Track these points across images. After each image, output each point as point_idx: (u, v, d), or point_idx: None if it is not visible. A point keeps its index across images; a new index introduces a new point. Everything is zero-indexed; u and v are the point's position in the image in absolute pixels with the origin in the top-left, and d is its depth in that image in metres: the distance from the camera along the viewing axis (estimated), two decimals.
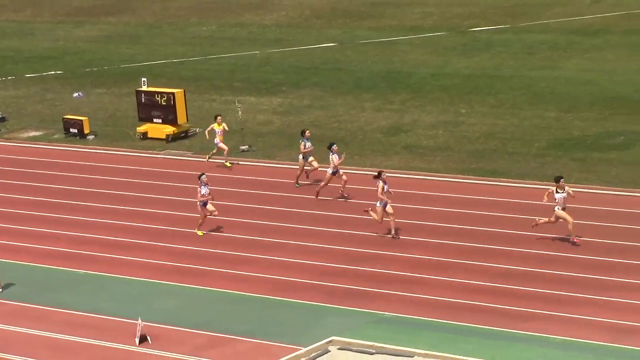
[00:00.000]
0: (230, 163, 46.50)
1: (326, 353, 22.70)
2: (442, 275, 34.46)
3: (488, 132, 48.96)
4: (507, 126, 49.46)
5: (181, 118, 51.09)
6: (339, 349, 22.83)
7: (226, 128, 46.49)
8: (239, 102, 51.82)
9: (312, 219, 40.00)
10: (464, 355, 24.85)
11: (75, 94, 59.61)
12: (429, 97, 54.68)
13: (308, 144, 43.16)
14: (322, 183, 42.18)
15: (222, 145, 46.23)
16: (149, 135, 51.43)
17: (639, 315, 31.74)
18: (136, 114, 52.31)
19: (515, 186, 42.51)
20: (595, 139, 46.47)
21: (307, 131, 43.82)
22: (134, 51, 70.05)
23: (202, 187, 38.94)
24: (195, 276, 35.60)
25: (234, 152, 47.34)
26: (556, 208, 36.49)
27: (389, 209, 37.76)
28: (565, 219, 36.43)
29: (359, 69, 60.83)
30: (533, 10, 66.96)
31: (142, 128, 51.75)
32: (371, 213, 38.18)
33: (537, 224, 37.12)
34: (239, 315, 32.74)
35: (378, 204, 37.80)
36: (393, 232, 37.99)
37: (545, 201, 36.67)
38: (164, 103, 50.88)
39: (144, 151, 49.63)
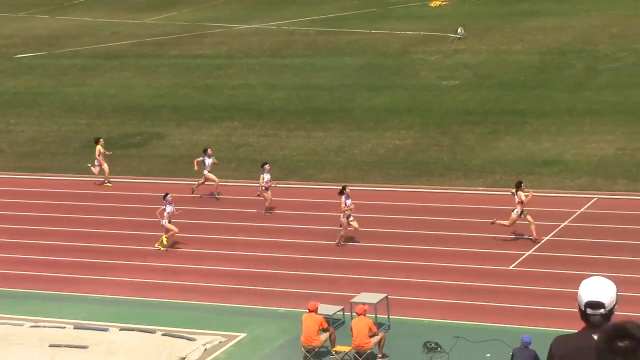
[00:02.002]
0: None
1: None
2: None
3: (34, 137, 48.98)
4: (49, 132, 49.45)
5: None
6: None
7: None
8: None
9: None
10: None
11: None
12: None
13: None
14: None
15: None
16: None
17: (154, 274, 33.36)
18: None
19: (58, 179, 43.21)
20: (118, 139, 47.11)
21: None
22: None
23: (168, 205, 34.83)
24: None
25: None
26: (516, 210, 33.19)
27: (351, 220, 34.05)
28: (512, 222, 33.24)
29: None
30: (65, 39, 67.06)
31: None
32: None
33: (493, 222, 33.39)
34: None
35: (342, 215, 33.97)
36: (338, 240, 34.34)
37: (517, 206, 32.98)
38: None
39: None
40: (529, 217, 33.06)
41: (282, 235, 35.41)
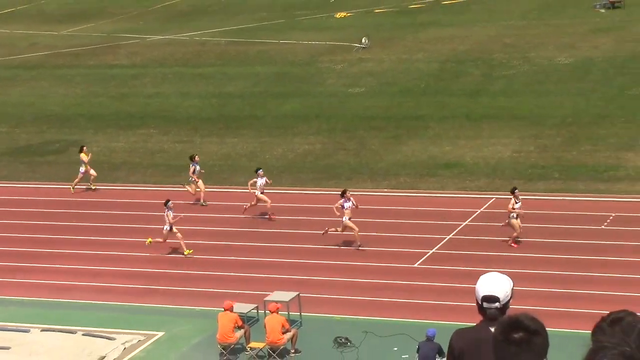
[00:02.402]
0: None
1: None
2: None
3: None
4: None
5: None
6: None
7: None
8: None
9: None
10: None
11: None
12: None
13: None
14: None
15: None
16: None
17: (72, 276, 33.08)
18: None
19: None
20: (38, 147, 46.80)
21: None
22: None
23: (169, 211, 33.82)
24: None
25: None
26: (512, 216, 32.50)
27: (348, 222, 33.22)
28: (513, 227, 32.55)
29: None
30: None
31: None
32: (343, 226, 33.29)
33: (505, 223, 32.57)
34: None
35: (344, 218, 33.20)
36: (359, 243, 33.55)
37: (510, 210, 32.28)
38: None
39: None
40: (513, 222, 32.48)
41: (197, 237, 35.32)
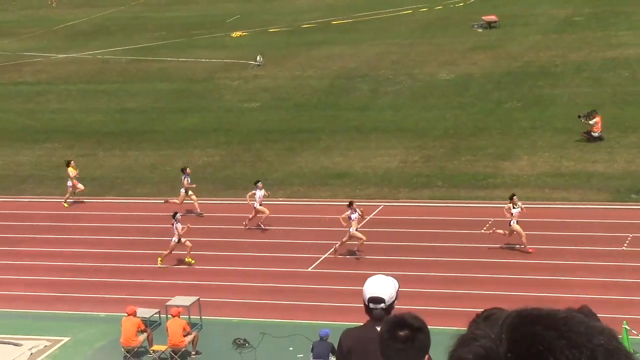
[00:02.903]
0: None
1: None
2: None
3: None
4: None
5: None
6: None
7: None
8: None
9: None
10: None
11: None
12: None
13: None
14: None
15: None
16: None
17: None
18: None
19: None
20: None
21: None
22: None
23: (178, 224, 32.48)
24: None
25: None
26: (512, 222, 31.70)
27: (355, 233, 32.26)
28: (519, 232, 31.70)
29: None
30: None
31: None
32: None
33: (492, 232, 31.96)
34: None
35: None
36: (358, 250, 32.62)
37: (507, 216, 31.69)
38: None
39: None
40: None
41: (102, 246, 34.90)
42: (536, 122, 43.79)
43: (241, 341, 27.98)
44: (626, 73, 49.08)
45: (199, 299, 29.40)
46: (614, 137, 40.94)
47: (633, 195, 35.54)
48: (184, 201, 37.25)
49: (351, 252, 33.06)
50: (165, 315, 28.77)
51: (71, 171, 38.77)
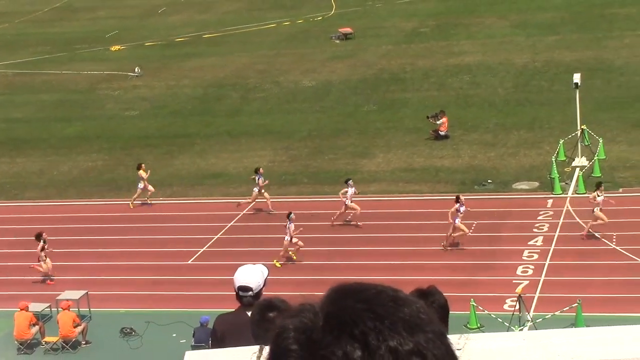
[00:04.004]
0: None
1: None
2: None
3: None
4: None
5: None
6: None
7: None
8: None
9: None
10: None
11: None
12: None
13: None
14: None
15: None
16: None
17: None
18: None
19: None
20: None
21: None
22: None
23: (291, 224, 30.74)
24: None
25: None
26: (596, 209, 30.67)
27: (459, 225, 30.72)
28: (602, 219, 30.65)
29: None
30: None
31: None
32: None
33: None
34: None
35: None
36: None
37: (592, 202, 30.52)
38: None
39: None
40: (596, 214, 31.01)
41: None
42: (390, 123, 44.52)
43: (128, 330, 27.77)
44: (467, 78, 50.31)
45: (87, 292, 29.06)
46: (458, 135, 41.94)
47: (476, 187, 36.53)
48: (256, 200, 35.60)
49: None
50: (56, 309, 28.34)
51: (142, 174, 36.77)
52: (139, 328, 27.77)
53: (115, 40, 67.53)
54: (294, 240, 31.10)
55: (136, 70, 57.19)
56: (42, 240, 31.38)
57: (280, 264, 31.01)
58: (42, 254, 31.15)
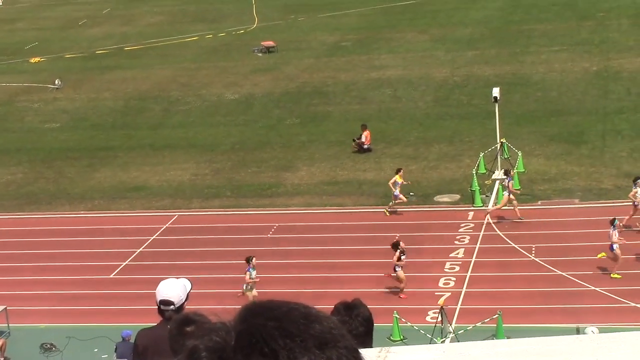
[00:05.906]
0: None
1: None
2: None
3: None
4: None
5: None
6: None
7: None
8: None
9: None
10: None
11: None
12: None
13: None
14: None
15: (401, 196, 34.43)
16: None
17: None
18: None
19: None
20: None
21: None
22: None
23: (615, 230, 28.33)
24: None
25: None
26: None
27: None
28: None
29: None
30: None
31: None
32: None
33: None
34: None
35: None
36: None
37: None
38: None
39: None
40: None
41: None
42: (313, 137, 44.65)
43: (48, 345, 27.32)
44: (389, 91, 50.73)
45: (6, 307, 28.50)
46: (380, 149, 42.24)
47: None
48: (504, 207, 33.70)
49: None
50: None
51: (398, 179, 34.82)
52: (59, 343, 27.34)
53: (34, 52, 66.58)
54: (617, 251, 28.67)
55: (56, 82, 56.42)
56: None
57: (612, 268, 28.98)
58: None
